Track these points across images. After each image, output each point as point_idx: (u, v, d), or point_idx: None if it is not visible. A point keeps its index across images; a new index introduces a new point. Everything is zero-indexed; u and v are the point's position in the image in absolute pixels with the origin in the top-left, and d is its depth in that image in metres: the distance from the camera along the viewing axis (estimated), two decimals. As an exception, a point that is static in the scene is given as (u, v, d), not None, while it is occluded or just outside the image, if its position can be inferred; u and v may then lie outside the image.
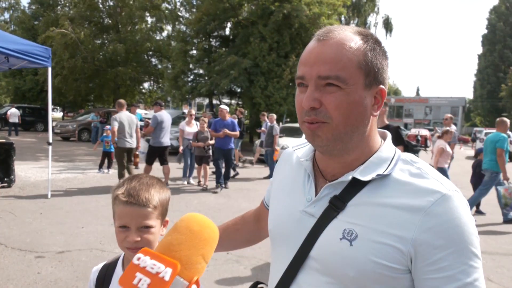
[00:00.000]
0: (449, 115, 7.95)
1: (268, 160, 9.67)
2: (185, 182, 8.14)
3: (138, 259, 0.61)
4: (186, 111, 13.81)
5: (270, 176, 9.74)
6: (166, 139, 7.22)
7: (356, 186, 0.77)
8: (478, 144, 19.23)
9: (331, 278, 0.75)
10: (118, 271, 1.15)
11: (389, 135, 0.86)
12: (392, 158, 0.79)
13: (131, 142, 6.93)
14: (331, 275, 0.75)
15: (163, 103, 7.92)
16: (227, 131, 7.31)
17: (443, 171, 6.16)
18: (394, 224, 0.71)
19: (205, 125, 7.61)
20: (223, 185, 7.65)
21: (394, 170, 0.77)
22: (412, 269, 0.71)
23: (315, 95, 0.73)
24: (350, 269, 0.72)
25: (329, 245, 0.75)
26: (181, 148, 8.05)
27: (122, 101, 7.21)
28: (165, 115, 7.25)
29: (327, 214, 0.77)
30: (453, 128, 7.68)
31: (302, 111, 0.76)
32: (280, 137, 12.72)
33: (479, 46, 49.50)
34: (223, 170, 7.64)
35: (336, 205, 0.77)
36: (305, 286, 0.78)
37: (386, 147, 0.82)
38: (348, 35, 0.75)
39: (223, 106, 7.87)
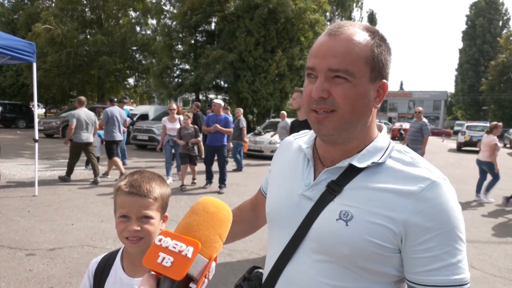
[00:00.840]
0: (420, 108, 8.05)
1: (235, 153, 9.55)
2: (168, 181, 7.62)
3: (160, 240, 0.64)
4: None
5: (238, 169, 9.71)
6: (118, 134, 7.68)
7: (352, 172, 0.83)
8: (460, 137, 19.67)
9: (326, 256, 0.81)
10: (117, 264, 1.17)
11: (384, 127, 0.93)
12: (387, 148, 0.86)
13: (87, 137, 7.33)
14: (327, 254, 0.81)
15: (115, 99, 8.18)
16: (218, 126, 6.84)
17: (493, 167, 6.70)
18: (387, 206, 0.77)
19: (189, 121, 7.11)
20: (208, 186, 7.29)
21: (388, 159, 0.83)
22: (402, 249, 0.77)
23: (324, 85, 0.78)
24: (345, 247, 0.78)
25: (326, 226, 0.81)
26: (159, 146, 7.74)
27: (82, 98, 7.46)
28: (116, 111, 7.69)
29: (325, 197, 0.83)
30: (424, 120, 7.82)
31: (311, 100, 0.81)
32: (267, 132, 12.83)
33: (460, 41, 50.37)
34: (224, 172, 7.07)
35: (333, 189, 0.82)
36: (301, 265, 0.83)
37: (381, 138, 0.88)
38: (357, 31, 0.80)
39: (217, 101, 7.31)
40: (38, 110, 35.64)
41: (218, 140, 6.96)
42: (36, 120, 6.36)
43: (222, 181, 7.07)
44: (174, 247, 0.63)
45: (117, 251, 1.21)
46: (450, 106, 58.70)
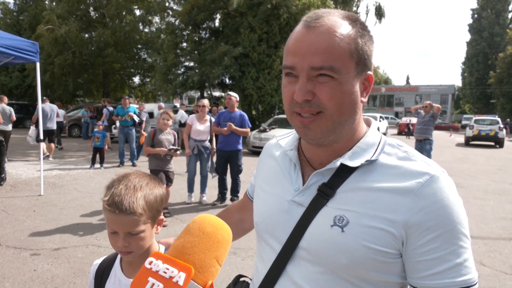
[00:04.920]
0: (428, 102, 7.96)
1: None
2: (190, 201, 5.89)
3: (150, 263, 0.59)
4: (177, 104, 13.71)
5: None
6: (50, 124, 9.96)
7: (344, 172, 0.76)
8: (468, 132, 19.43)
9: (323, 268, 0.74)
10: (116, 265, 1.16)
11: (373, 122, 0.86)
12: (379, 143, 0.79)
13: (5, 127, 8.57)
14: (322, 265, 0.74)
15: (46, 97, 10.36)
16: (232, 126, 5.43)
17: None
18: (385, 207, 0.71)
19: (170, 122, 5.08)
20: (219, 202, 5.81)
21: (382, 155, 0.77)
22: (403, 253, 0.71)
23: (308, 86, 0.71)
24: (342, 256, 0.71)
25: (319, 234, 0.74)
26: (187, 151, 5.70)
27: (1, 96, 8.95)
28: (48, 107, 9.95)
29: (316, 202, 0.76)
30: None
31: (293, 102, 0.74)
32: (272, 128, 12.77)
33: (467, 34, 49.79)
34: (237, 182, 5.82)
35: (325, 193, 0.76)
36: (295, 278, 0.76)
37: (371, 133, 0.82)
38: (338, 21, 0.72)
39: (232, 93, 5.73)
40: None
41: (233, 144, 5.61)
42: (41, 119, 6.37)
43: (235, 192, 5.83)
44: (165, 272, 0.58)
45: (117, 253, 1.19)
46: (457, 100, 58.12)
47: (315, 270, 0.75)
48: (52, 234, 4.24)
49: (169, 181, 5.08)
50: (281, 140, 0.93)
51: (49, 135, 9.90)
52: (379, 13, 21.94)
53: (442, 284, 0.68)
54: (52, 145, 10.11)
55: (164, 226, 4.48)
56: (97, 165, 8.88)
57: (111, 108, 13.30)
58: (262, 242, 0.88)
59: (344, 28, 0.72)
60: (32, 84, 24.77)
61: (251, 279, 0.93)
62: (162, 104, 13.07)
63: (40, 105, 6.34)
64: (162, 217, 1.11)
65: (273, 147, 0.97)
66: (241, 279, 0.99)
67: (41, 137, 6.26)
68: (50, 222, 4.66)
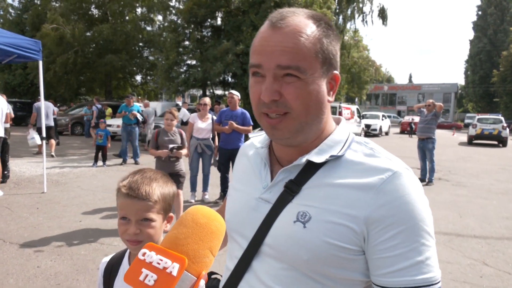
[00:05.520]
0: (431, 100, 7.94)
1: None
2: (192, 200, 5.83)
3: (144, 254, 0.59)
4: (180, 103, 13.74)
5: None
6: (48, 121, 9.61)
7: (310, 168, 0.77)
8: (471, 130, 19.36)
9: (286, 264, 0.74)
10: (125, 263, 1.17)
11: (342, 120, 0.87)
12: (346, 140, 0.80)
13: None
14: (286, 261, 0.74)
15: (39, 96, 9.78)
16: (234, 124, 5.44)
17: None
18: (347, 203, 0.71)
19: (174, 122, 4.76)
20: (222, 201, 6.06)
21: (348, 151, 0.78)
22: (366, 249, 0.71)
23: (274, 86, 0.71)
24: (303, 252, 0.71)
25: (283, 230, 0.74)
26: (186, 152, 4.86)
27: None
28: (44, 105, 8.52)
29: (283, 198, 0.77)
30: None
31: (260, 103, 0.74)
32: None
33: (471, 32, 49.53)
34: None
35: (291, 189, 0.76)
36: (260, 274, 0.77)
37: (339, 131, 0.82)
38: (303, 21, 0.73)
39: (234, 92, 5.77)
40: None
41: (234, 142, 5.58)
42: (43, 117, 6.40)
43: None
44: (159, 263, 0.58)
45: (126, 249, 1.20)
46: (460, 98, 57.91)
47: (279, 266, 0.75)
48: (55, 231, 4.26)
49: (177, 183, 4.46)
50: (254, 138, 0.94)
51: (47, 131, 10.10)
52: (383, 15, 21.80)
53: (402, 281, 0.67)
54: (53, 141, 10.31)
55: None
56: (100, 163, 8.91)
57: (99, 106, 14.22)
58: (231, 240, 0.89)
59: (309, 29, 0.72)
60: (34, 82, 24.85)
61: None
62: (147, 102, 13.03)
63: (42, 103, 6.36)
64: (172, 214, 1.13)
65: (248, 146, 0.97)
66: (213, 276, 1.00)
67: (44, 134, 6.27)
68: (53, 220, 4.68)
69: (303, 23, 0.72)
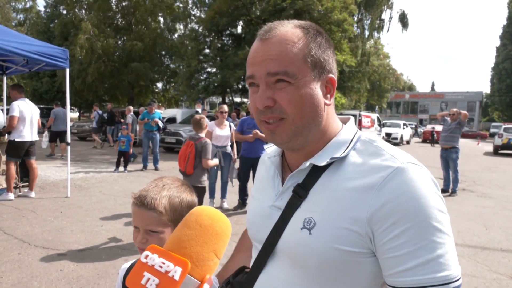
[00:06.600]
0: (455, 109, 7.71)
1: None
2: (211, 205, 5.75)
3: (146, 257, 0.58)
4: (199, 109, 13.83)
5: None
6: (64, 126, 10.07)
7: (316, 172, 0.78)
8: (497, 140, 18.73)
9: (297, 270, 0.75)
10: None
11: (351, 119, 0.87)
12: (351, 141, 0.79)
13: None
14: (296, 266, 0.75)
15: (59, 102, 11.20)
16: (259, 133, 5.34)
17: None
18: (349, 206, 0.70)
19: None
20: (245, 203, 5.82)
21: (352, 152, 0.77)
22: (375, 251, 0.69)
23: (267, 93, 0.74)
24: (311, 259, 0.71)
25: (292, 237, 0.75)
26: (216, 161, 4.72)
27: None
28: (61, 111, 10.21)
29: (292, 204, 0.78)
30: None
31: (258, 111, 0.77)
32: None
33: (497, 39, 48.18)
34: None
35: (299, 194, 0.77)
36: (271, 280, 0.79)
37: (345, 131, 0.82)
38: (289, 30, 0.76)
39: None
40: (72, 114, 37.47)
41: (258, 150, 5.45)
42: (69, 124, 6.59)
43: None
44: (161, 267, 0.57)
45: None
46: (485, 107, 56.19)
47: (291, 272, 0.76)
48: (78, 235, 4.36)
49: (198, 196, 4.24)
50: (268, 148, 0.98)
51: (62, 135, 10.79)
52: (403, 21, 21.51)
53: (413, 281, 0.64)
54: (64, 144, 10.90)
55: None
56: (121, 169, 9.09)
57: (100, 112, 14.82)
58: (254, 247, 0.91)
59: (295, 36, 0.75)
60: (61, 89, 25.73)
61: None
62: (131, 107, 12.41)
63: (68, 109, 6.57)
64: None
65: (266, 155, 1.00)
66: (246, 269, 1.00)
67: (69, 140, 6.46)
68: (76, 224, 4.80)
69: (290, 32, 0.75)
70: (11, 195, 5.83)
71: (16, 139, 5.76)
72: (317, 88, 0.76)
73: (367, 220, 0.68)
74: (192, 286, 0.58)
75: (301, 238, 0.73)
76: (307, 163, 0.78)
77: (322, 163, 0.76)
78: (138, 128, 11.81)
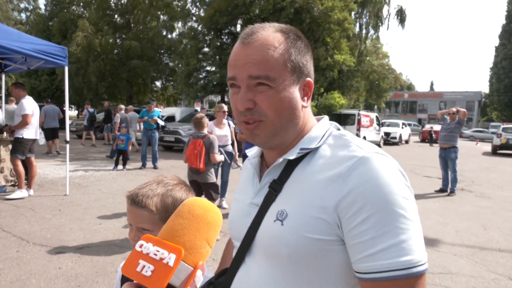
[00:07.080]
0: (454, 109, 7.72)
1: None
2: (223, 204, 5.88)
3: (141, 246, 0.61)
4: (198, 108, 13.82)
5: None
6: (54, 123, 10.87)
7: (290, 167, 0.81)
8: (495, 140, 18.77)
9: (271, 263, 0.78)
10: None
11: (324, 118, 0.91)
12: (323, 136, 0.83)
13: None
14: (270, 260, 0.78)
15: (49, 100, 11.44)
16: None
17: None
18: (318, 196, 0.73)
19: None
20: None
21: (323, 146, 0.81)
22: (343, 238, 0.71)
23: (248, 96, 0.77)
24: (283, 248, 0.74)
25: (266, 229, 0.78)
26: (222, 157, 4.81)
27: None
28: (51, 108, 10.51)
29: (268, 199, 0.81)
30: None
31: (238, 112, 0.80)
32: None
33: (496, 38, 48.21)
34: None
35: (275, 189, 0.80)
36: (249, 274, 0.81)
37: (317, 128, 0.86)
38: (271, 35, 0.78)
39: None
40: (70, 112, 37.42)
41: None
42: (67, 122, 6.59)
43: None
44: (155, 254, 0.59)
45: None
46: (484, 107, 56.29)
47: (267, 265, 0.79)
48: (76, 233, 4.36)
49: (207, 195, 4.36)
50: (250, 151, 1.00)
51: (54, 132, 11.44)
52: (401, 17, 21.52)
53: (377, 265, 0.66)
54: (57, 140, 11.61)
55: None
56: (120, 167, 9.08)
57: (91, 110, 14.99)
58: (234, 247, 0.93)
59: (276, 41, 0.78)
60: (60, 87, 25.69)
61: None
62: (122, 106, 11.74)
63: (67, 107, 6.56)
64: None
65: (248, 159, 1.03)
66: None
67: (67, 138, 6.45)
68: (74, 222, 4.79)
69: (271, 37, 0.78)
70: (25, 192, 5.88)
71: (25, 137, 5.80)
72: (295, 92, 0.79)
73: (334, 207, 0.70)
74: (186, 272, 0.60)
75: (274, 229, 0.76)
76: (281, 159, 0.81)
77: (293, 156, 0.80)
78: (138, 127, 11.83)
